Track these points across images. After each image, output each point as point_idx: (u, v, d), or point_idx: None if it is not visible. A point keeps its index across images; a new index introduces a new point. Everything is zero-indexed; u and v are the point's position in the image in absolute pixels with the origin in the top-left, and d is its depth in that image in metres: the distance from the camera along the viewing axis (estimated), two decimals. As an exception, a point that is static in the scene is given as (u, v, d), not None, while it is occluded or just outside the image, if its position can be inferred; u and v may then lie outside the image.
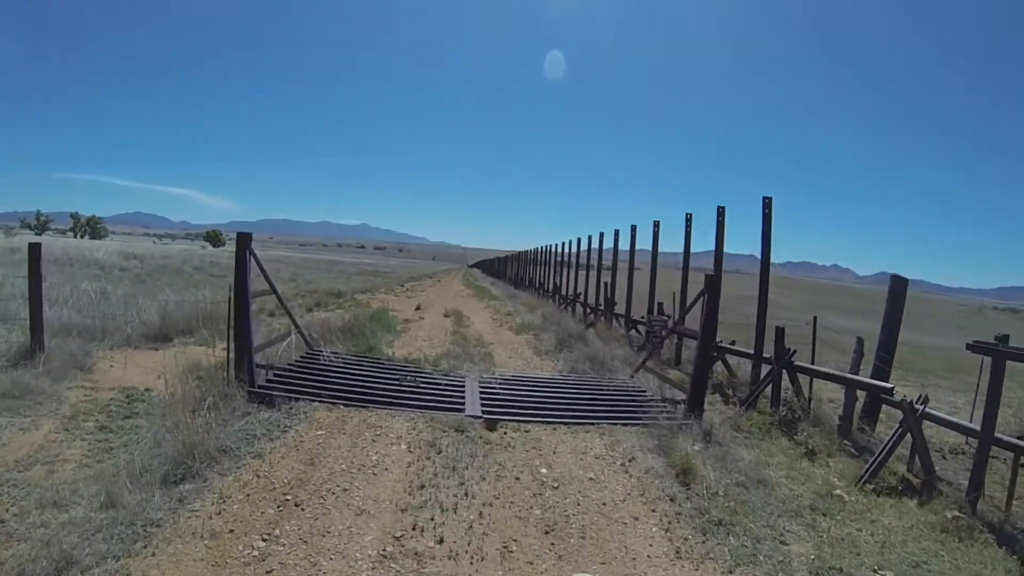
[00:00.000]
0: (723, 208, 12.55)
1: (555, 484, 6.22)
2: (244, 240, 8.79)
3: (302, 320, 17.73)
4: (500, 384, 9.87)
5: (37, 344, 9.39)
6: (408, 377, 9.58)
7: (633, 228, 18.98)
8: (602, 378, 11.15)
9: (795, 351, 10.00)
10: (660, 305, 15.93)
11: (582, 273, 27.02)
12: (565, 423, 8.21)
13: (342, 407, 8.00)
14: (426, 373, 10.25)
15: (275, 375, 9.00)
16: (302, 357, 10.38)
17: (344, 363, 10.29)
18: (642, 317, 18.03)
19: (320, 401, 8.05)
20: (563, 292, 29.43)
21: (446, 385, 9.52)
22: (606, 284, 20.86)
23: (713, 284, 9.54)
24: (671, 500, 6.09)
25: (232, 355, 8.36)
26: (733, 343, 11.94)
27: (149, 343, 11.85)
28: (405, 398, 8.51)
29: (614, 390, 10.31)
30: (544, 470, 6.56)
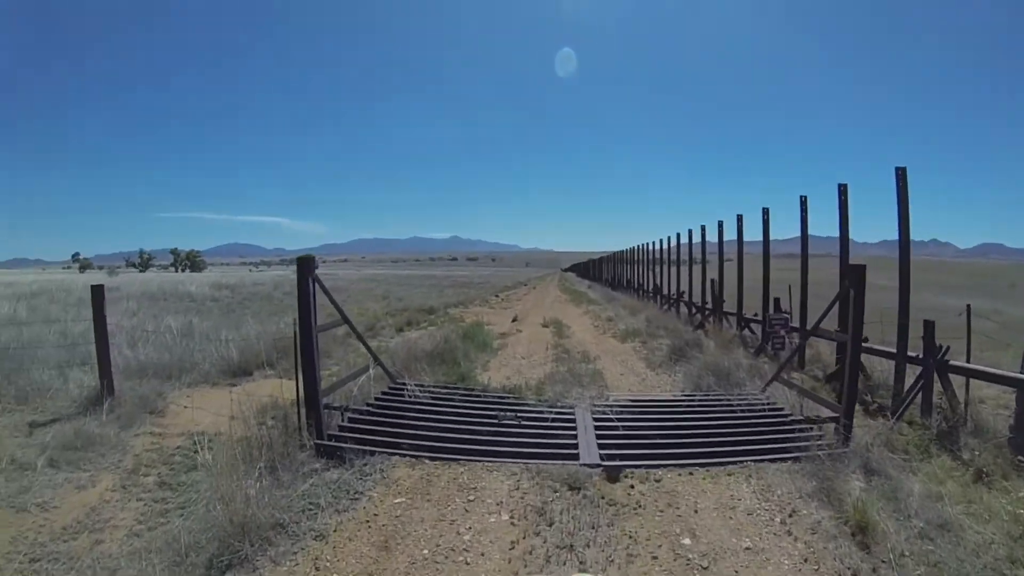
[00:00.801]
0: (845, 185, 11.41)
1: (704, 563, 4.63)
2: (306, 266, 7.57)
3: (392, 341, 16.94)
4: (617, 413, 8.13)
5: (107, 388, 8.85)
6: (506, 414, 7.92)
7: (739, 218, 17.08)
8: (731, 394, 9.34)
9: (948, 348, 8.43)
10: (777, 301, 14.06)
11: (684, 269, 25.04)
12: (702, 464, 6.54)
13: (427, 461, 6.57)
14: (528, 405, 8.64)
15: (350, 419, 7.68)
16: (383, 393, 9.02)
17: (431, 398, 8.81)
18: (755, 315, 16.37)
19: (401, 455, 6.65)
20: (664, 292, 27.79)
21: (553, 420, 7.87)
22: (713, 281, 19.05)
23: (858, 276, 7.83)
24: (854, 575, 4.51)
25: (302, 395, 7.15)
26: (865, 339, 10.18)
27: (228, 378, 11.23)
28: (504, 444, 6.95)
29: (747, 410, 8.49)
30: (687, 540, 4.95)
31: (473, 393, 9.23)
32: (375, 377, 9.16)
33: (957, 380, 8.37)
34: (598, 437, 7.23)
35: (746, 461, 6.60)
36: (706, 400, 9.12)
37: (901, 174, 9.53)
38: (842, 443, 7.01)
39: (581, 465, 6.38)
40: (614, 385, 10.64)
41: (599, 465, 6.40)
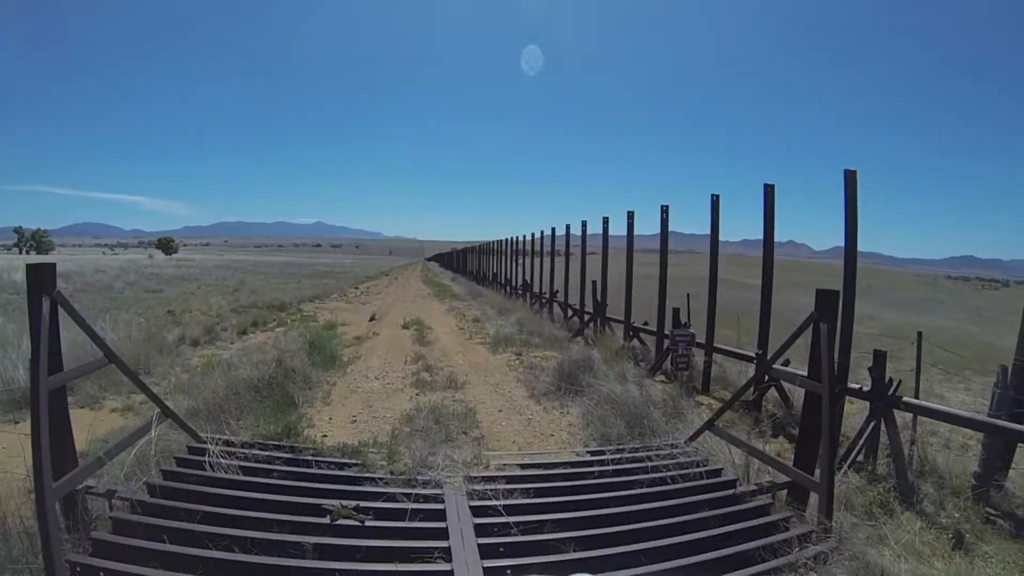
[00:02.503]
0: (772, 186, 10.42)
1: None
2: (41, 279, 4.88)
3: (231, 349, 14.35)
4: (505, 495, 5.62)
5: None
6: (343, 508, 5.11)
7: (630, 215, 15.25)
8: (651, 449, 7.11)
9: (900, 382, 7.39)
10: (676, 311, 12.25)
11: (548, 265, 24.54)
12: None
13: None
14: (376, 484, 5.86)
15: (115, 524, 4.94)
16: (177, 462, 6.05)
17: (242, 470, 5.90)
18: (645, 323, 14.62)
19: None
20: (536, 290, 25.98)
21: (413, 513, 5.21)
22: (595, 283, 17.23)
23: (829, 305, 5.90)
24: None
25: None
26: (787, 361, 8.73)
27: (11, 410, 8.45)
28: (341, 557, 4.50)
29: (681, 478, 6.29)
30: None
31: (300, 459, 6.28)
32: (151, 439, 6.31)
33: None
34: (480, 542, 4.79)
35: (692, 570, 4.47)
36: (620, 461, 6.70)
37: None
38: (821, 531, 5.09)
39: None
40: (493, 433, 8.20)
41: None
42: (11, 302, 22.03)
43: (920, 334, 8.94)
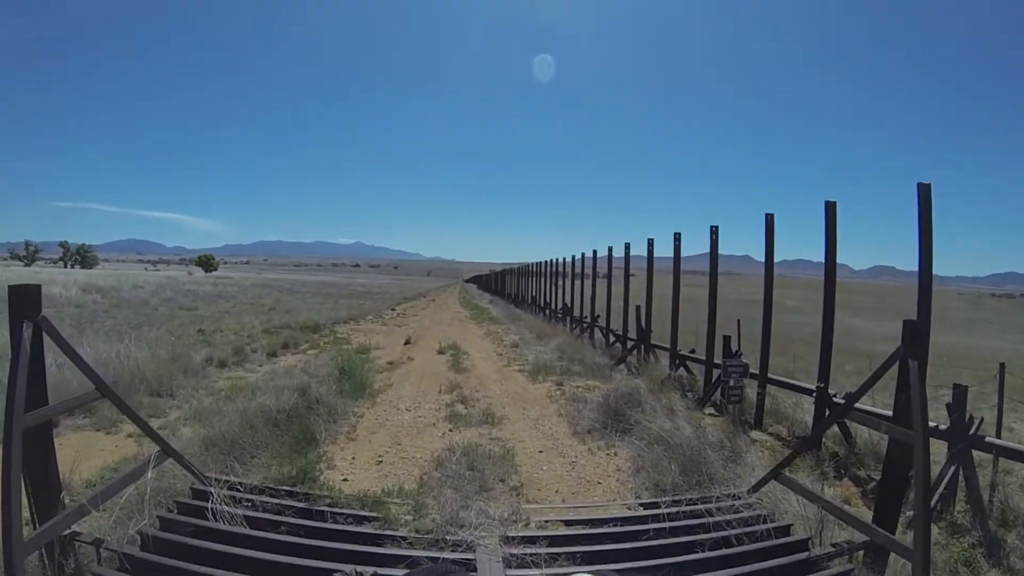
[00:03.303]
0: (834, 203, 9.93)
1: None
2: (23, 302, 4.26)
3: (258, 372, 13.88)
4: (544, 554, 4.82)
5: None
6: (355, 575, 4.40)
7: (677, 237, 14.42)
8: (710, 500, 6.22)
9: (982, 420, 6.78)
10: (727, 339, 11.30)
11: (588, 288, 23.71)
12: None
13: None
14: (399, 545, 5.06)
15: None
16: (179, 506, 5.37)
17: (247, 521, 5.18)
18: (692, 351, 13.76)
19: None
20: (576, 314, 25.19)
21: None
22: (638, 307, 16.40)
23: (918, 338, 5.05)
24: None
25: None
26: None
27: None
28: None
29: (744, 536, 5.41)
30: None
31: (315, 510, 5.53)
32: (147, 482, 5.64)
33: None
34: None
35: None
36: (677, 516, 5.85)
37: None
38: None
39: None
40: (533, 479, 7.33)
41: None
42: (55, 316, 21.75)
43: (1003, 366, 8.19)
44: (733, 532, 5.44)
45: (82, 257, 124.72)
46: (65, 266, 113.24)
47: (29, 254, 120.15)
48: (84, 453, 7.44)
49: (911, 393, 4.79)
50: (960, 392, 6.72)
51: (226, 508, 5.18)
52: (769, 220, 10.80)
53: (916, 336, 5.01)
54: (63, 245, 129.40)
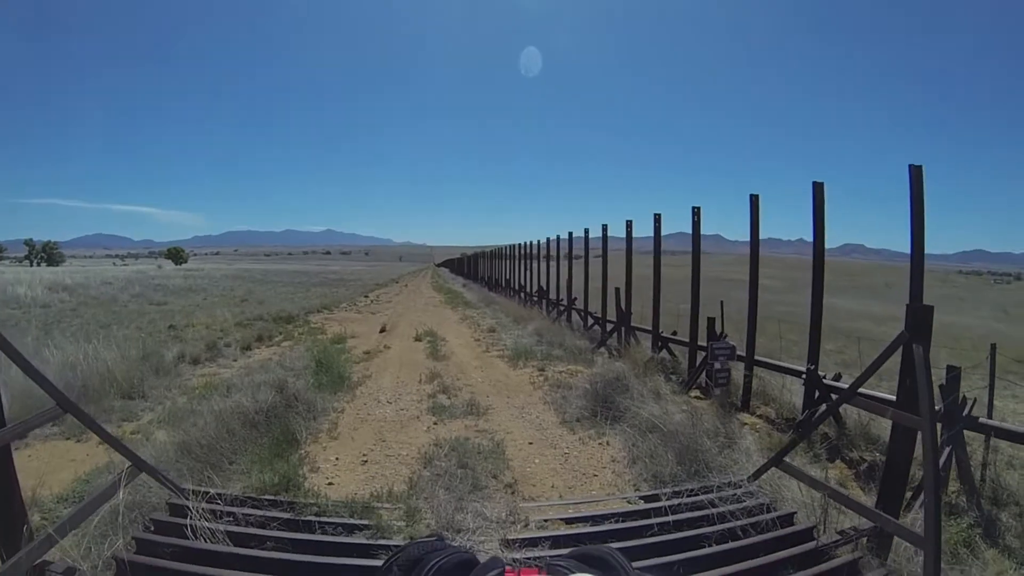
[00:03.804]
0: (822, 184, 9.84)
1: None
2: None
3: (232, 367, 13.53)
4: (550, 564, 4.57)
5: None
6: None
7: (657, 217, 14.20)
8: (710, 489, 5.98)
9: (974, 401, 6.69)
10: (711, 321, 11.14)
11: (563, 270, 23.54)
12: None
13: None
14: (390, 551, 4.71)
15: None
16: (154, 524, 5.01)
17: (230, 538, 4.79)
18: (674, 333, 13.61)
19: None
20: (552, 296, 24.98)
21: None
22: (617, 289, 16.19)
23: (924, 322, 4.86)
24: None
25: None
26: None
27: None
28: None
29: (749, 527, 5.21)
30: None
31: (301, 520, 5.16)
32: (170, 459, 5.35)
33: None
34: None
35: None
36: (680, 508, 5.64)
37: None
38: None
39: None
40: (527, 474, 7.05)
41: None
42: (10, 318, 21.22)
43: (994, 347, 8.27)
44: (739, 524, 5.27)
45: (48, 254, 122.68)
46: (31, 264, 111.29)
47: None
48: (54, 465, 7.14)
49: (917, 379, 4.61)
50: (954, 375, 6.61)
51: (206, 524, 4.83)
52: (754, 201, 10.65)
53: (921, 320, 4.82)
54: (28, 243, 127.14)
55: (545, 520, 5.58)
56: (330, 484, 6.59)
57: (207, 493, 5.33)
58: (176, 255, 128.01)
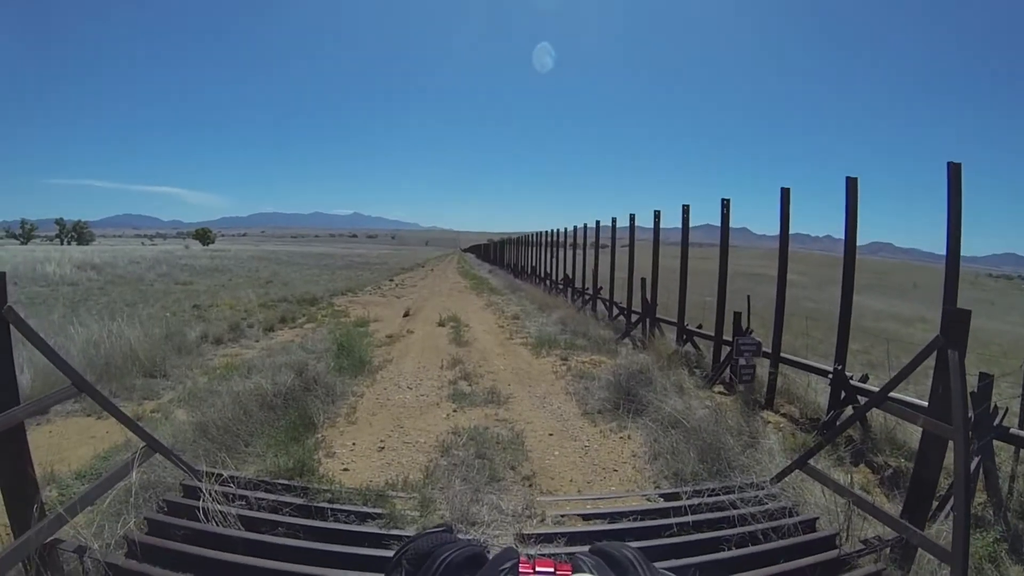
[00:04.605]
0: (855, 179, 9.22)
1: None
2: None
3: (255, 348, 13.59)
4: (563, 556, 4.46)
5: None
6: None
7: (686, 208, 13.97)
8: (731, 487, 5.81)
9: (1006, 410, 6.34)
10: (737, 316, 10.94)
11: (590, 259, 22.97)
12: None
13: None
14: (402, 541, 4.62)
15: None
16: (167, 505, 5.02)
17: (242, 522, 4.79)
18: (699, 326, 13.38)
19: None
20: (578, 285, 24.81)
21: None
22: (643, 280, 15.99)
23: (961, 330, 4.64)
24: None
25: None
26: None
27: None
28: None
29: (770, 532, 5.06)
30: None
31: (314, 507, 5.13)
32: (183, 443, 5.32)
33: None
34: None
35: None
36: (700, 508, 5.50)
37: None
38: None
39: None
40: (545, 467, 6.93)
41: None
42: (38, 295, 21.51)
43: None
44: (760, 527, 5.11)
45: (78, 234, 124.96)
46: (61, 243, 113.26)
47: (26, 232, 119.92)
48: (74, 441, 7.17)
49: (952, 385, 4.41)
50: (986, 383, 6.35)
51: (219, 507, 4.78)
52: (785, 194, 10.37)
53: (957, 324, 4.61)
54: (59, 222, 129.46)
55: (562, 515, 5.45)
56: (345, 470, 6.53)
57: (220, 476, 5.27)
58: (203, 236, 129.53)
